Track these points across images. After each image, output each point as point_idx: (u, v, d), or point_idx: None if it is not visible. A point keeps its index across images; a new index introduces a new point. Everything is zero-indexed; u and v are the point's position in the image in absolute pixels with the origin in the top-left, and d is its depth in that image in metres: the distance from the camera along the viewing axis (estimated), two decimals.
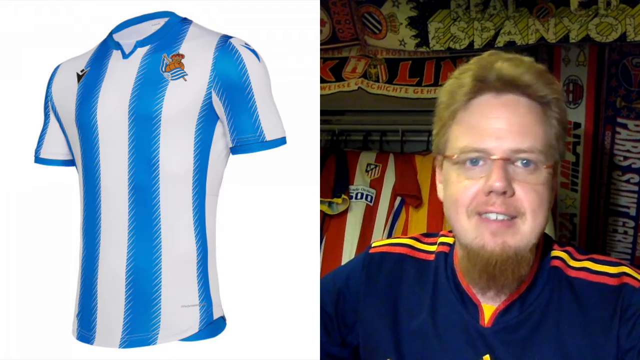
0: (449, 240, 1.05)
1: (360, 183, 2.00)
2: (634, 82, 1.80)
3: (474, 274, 0.94)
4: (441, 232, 1.09)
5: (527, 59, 0.94)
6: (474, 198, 0.90)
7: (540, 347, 0.92)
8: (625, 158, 1.86)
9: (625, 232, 1.93)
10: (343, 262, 1.92)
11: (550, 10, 1.61)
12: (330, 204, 1.96)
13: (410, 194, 1.93)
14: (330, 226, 1.99)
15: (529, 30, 1.63)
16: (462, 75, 0.95)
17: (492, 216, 0.90)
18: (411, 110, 2.02)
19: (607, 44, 1.67)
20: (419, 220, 1.92)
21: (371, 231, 1.96)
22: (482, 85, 0.93)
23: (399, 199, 1.97)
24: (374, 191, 1.99)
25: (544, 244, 0.99)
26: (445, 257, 1.03)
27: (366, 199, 1.98)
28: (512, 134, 0.90)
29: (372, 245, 1.13)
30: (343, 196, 1.95)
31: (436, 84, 1.82)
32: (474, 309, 0.97)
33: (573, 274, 0.95)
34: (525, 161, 0.90)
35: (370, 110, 2.13)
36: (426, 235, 1.11)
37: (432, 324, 0.99)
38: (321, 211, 1.94)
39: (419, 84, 1.84)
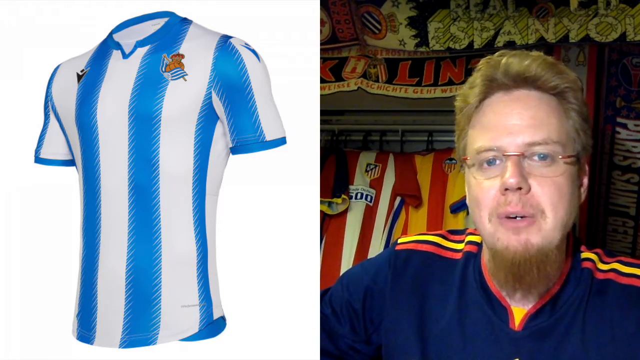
0: (477, 239, 1.03)
1: (360, 183, 2.00)
2: (634, 82, 1.80)
3: (500, 276, 0.93)
4: (468, 230, 1.07)
5: (536, 53, 0.93)
6: (494, 199, 0.89)
7: (570, 351, 0.91)
8: (625, 158, 1.86)
9: (625, 232, 1.92)
10: (342, 262, 1.93)
11: (550, 10, 1.61)
12: (330, 204, 1.97)
13: (410, 194, 1.93)
14: (330, 226, 1.99)
15: (528, 30, 1.63)
16: (473, 77, 0.95)
17: (511, 220, 0.88)
18: (411, 110, 2.02)
19: (607, 44, 1.67)
20: (418, 220, 1.92)
21: (371, 231, 1.96)
22: (491, 84, 0.93)
23: (398, 199, 1.97)
24: (373, 191, 1.99)
25: (573, 244, 0.98)
26: (474, 257, 1.02)
27: (366, 199, 1.98)
28: (524, 128, 0.89)
29: (398, 241, 1.11)
30: (343, 196, 1.96)
31: (436, 83, 1.82)
32: (503, 312, 0.95)
33: (602, 276, 0.95)
34: (541, 155, 0.88)
35: (370, 110, 2.13)
36: (453, 232, 1.09)
37: (459, 326, 0.97)
38: (321, 211, 1.94)
39: (418, 84, 1.83)
